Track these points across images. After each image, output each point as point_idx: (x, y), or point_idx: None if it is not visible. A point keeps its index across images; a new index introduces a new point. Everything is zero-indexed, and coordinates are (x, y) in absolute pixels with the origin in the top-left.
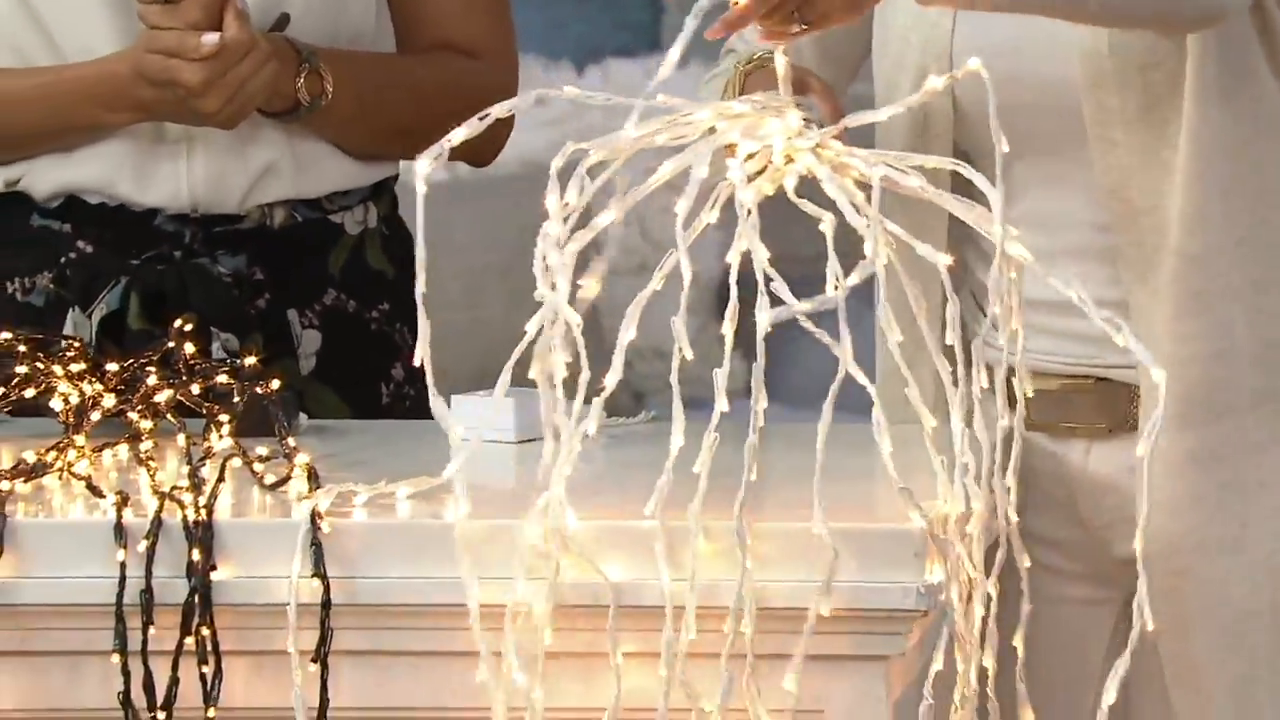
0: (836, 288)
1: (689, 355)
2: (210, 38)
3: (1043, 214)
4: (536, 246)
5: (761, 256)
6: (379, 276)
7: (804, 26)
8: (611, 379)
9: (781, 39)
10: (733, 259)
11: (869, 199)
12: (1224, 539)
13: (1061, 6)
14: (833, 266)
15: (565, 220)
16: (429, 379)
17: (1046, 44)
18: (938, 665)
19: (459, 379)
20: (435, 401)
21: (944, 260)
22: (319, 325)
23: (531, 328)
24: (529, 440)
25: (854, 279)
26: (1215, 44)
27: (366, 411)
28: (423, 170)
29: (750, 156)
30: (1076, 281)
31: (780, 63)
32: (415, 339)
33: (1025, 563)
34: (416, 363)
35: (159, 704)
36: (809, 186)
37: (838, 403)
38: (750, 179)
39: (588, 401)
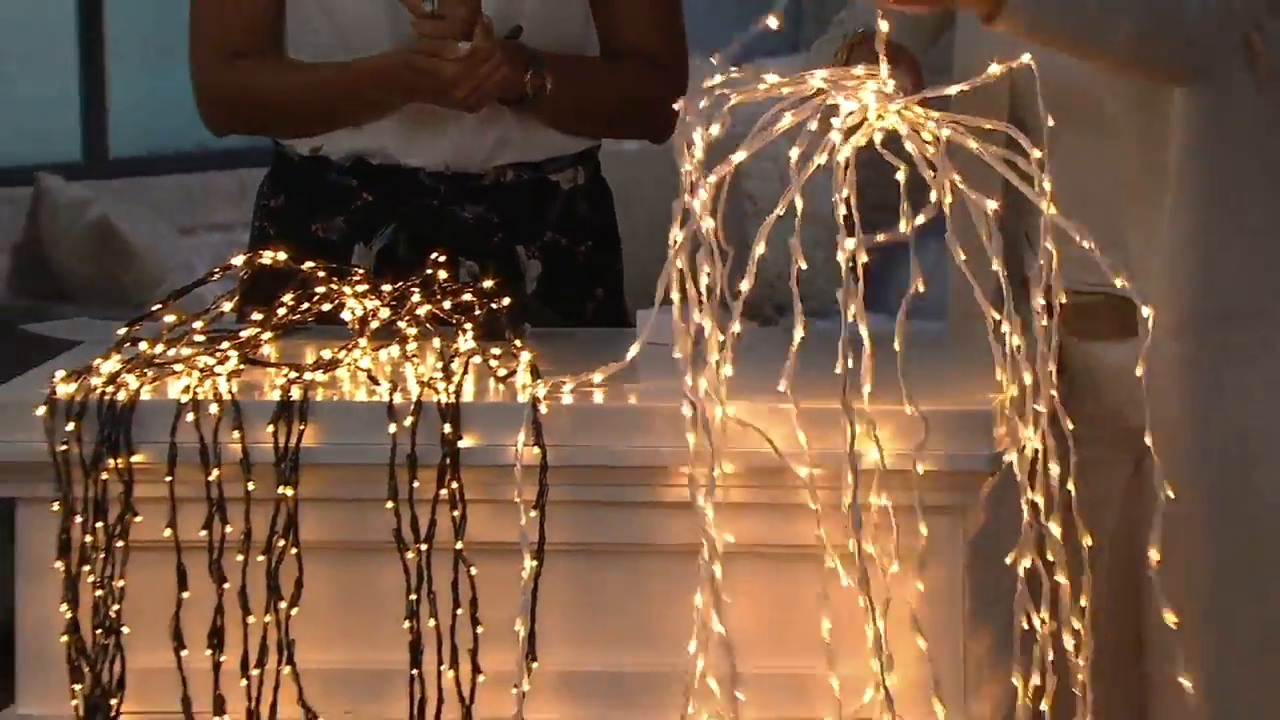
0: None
1: (803, 265)
2: (464, 45)
3: (1084, 179)
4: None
5: (849, 196)
6: (584, 221)
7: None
8: (745, 284)
9: (901, 6)
10: (838, 199)
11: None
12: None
13: (1083, 46)
14: (904, 207)
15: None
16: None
17: None
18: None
19: (644, 298)
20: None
21: (991, 205)
22: (539, 257)
23: (674, 238)
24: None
25: (920, 218)
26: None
27: (575, 323)
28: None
29: (849, 115)
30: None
31: (884, 27)
32: (609, 269)
33: (1069, 425)
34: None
35: (422, 538)
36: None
37: (928, 311)
38: (848, 133)
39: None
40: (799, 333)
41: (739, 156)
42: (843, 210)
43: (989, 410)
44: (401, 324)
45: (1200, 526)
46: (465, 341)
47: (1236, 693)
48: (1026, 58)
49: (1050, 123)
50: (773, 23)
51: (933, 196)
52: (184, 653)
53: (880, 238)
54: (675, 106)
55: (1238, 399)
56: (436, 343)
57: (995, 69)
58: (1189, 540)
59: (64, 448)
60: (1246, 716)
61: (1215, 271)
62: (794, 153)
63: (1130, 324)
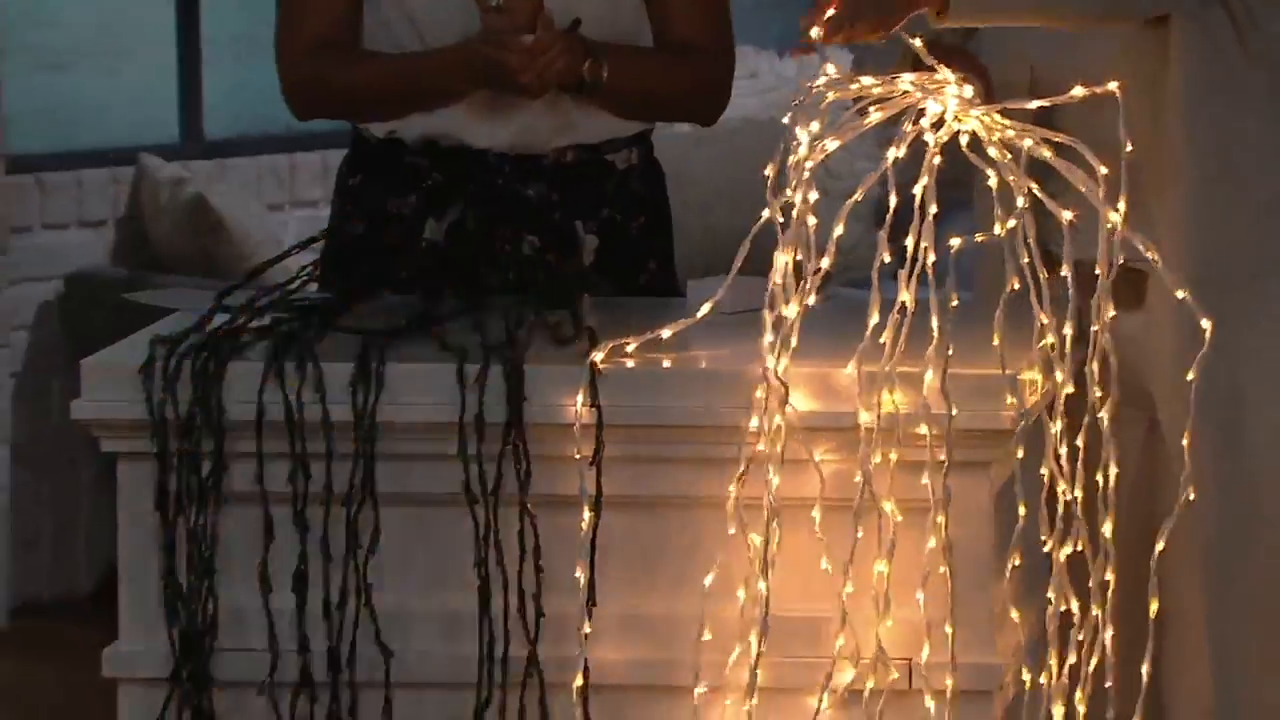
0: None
1: (888, 259)
2: (527, 37)
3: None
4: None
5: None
6: (638, 198)
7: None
8: (825, 262)
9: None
10: (921, 187)
11: (1016, 161)
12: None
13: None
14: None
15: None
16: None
17: None
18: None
19: (693, 270)
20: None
21: (1067, 215)
22: (596, 232)
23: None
24: (743, 311)
25: (998, 229)
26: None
27: (629, 293)
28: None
29: (934, 115)
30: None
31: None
32: (662, 243)
33: (1105, 363)
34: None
35: (489, 491)
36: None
37: (960, 282)
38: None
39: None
40: (874, 316)
41: (833, 145)
42: (919, 196)
43: (1015, 373)
44: (469, 294)
45: (1202, 478)
46: (527, 310)
47: (1236, 624)
48: (1113, 85)
49: (1129, 147)
50: (815, 33)
51: (1019, 201)
52: (270, 595)
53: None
54: (724, 93)
55: (1231, 362)
56: (502, 311)
57: (1079, 91)
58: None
59: (161, 407)
60: (1245, 648)
61: (1215, 241)
62: (890, 153)
63: (1144, 294)
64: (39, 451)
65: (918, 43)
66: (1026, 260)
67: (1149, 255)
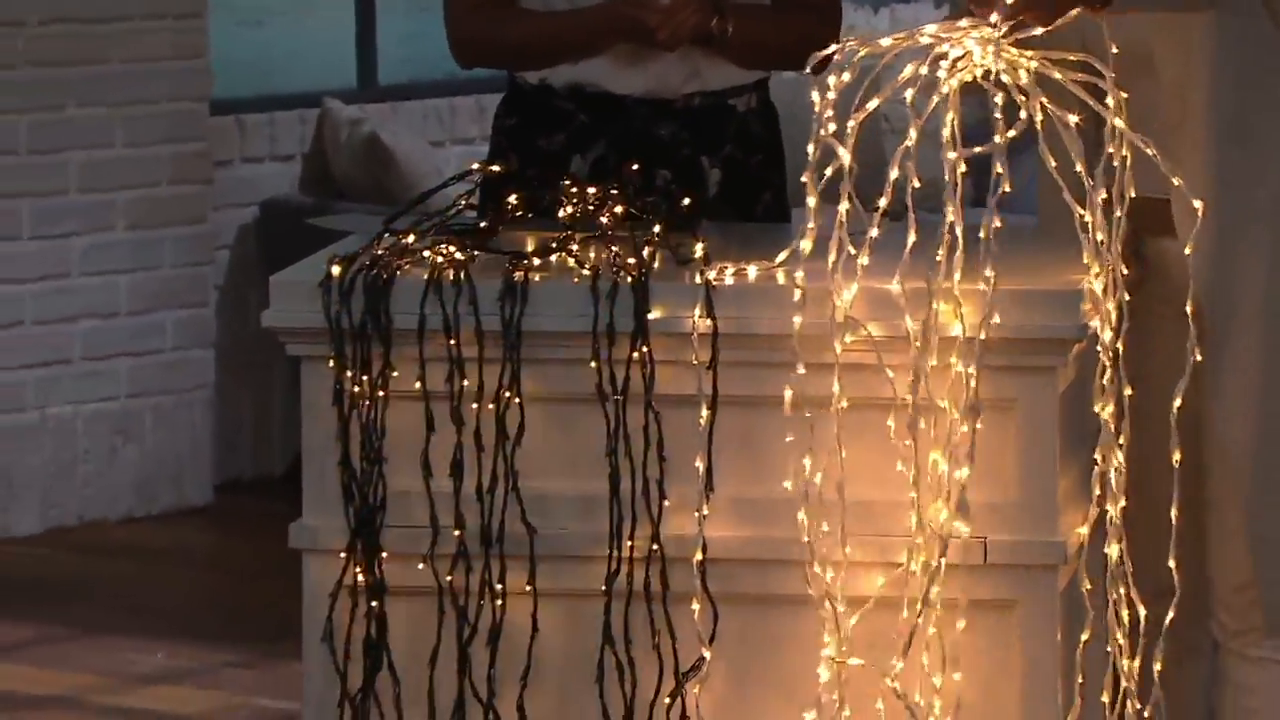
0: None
1: (917, 184)
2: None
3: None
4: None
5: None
6: (756, 137)
7: None
8: (883, 201)
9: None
10: (946, 133)
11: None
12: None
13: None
14: (999, 126)
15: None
16: None
17: None
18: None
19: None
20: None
21: (1072, 119)
22: (720, 167)
23: (810, 149)
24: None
25: (1012, 132)
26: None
27: (747, 220)
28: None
29: (957, 59)
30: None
31: None
32: (776, 176)
33: (1128, 271)
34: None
35: (618, 391)
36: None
37: (1029, 208)
38: (953, 72)
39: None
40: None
41: (873, 103)
42: (946, 132)
43: (1078, 288)
44: (603, 218)
45: (1245, 381)
46: (655, 233)
47: (1271, 511)
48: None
49: (1114, 50)
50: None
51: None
52: (431, 480)
53: (977, 149)
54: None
55: (1256, 277)
56: (633, 234)
57: (1074, 11)
58: (1239, 382)
59: (338, 317)
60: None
61: (1240, 185)
62: (908, 94)
63: (1169, 219)
64: (239, 353)
65: None
66: (1081, 169)
67: (1174, 179)
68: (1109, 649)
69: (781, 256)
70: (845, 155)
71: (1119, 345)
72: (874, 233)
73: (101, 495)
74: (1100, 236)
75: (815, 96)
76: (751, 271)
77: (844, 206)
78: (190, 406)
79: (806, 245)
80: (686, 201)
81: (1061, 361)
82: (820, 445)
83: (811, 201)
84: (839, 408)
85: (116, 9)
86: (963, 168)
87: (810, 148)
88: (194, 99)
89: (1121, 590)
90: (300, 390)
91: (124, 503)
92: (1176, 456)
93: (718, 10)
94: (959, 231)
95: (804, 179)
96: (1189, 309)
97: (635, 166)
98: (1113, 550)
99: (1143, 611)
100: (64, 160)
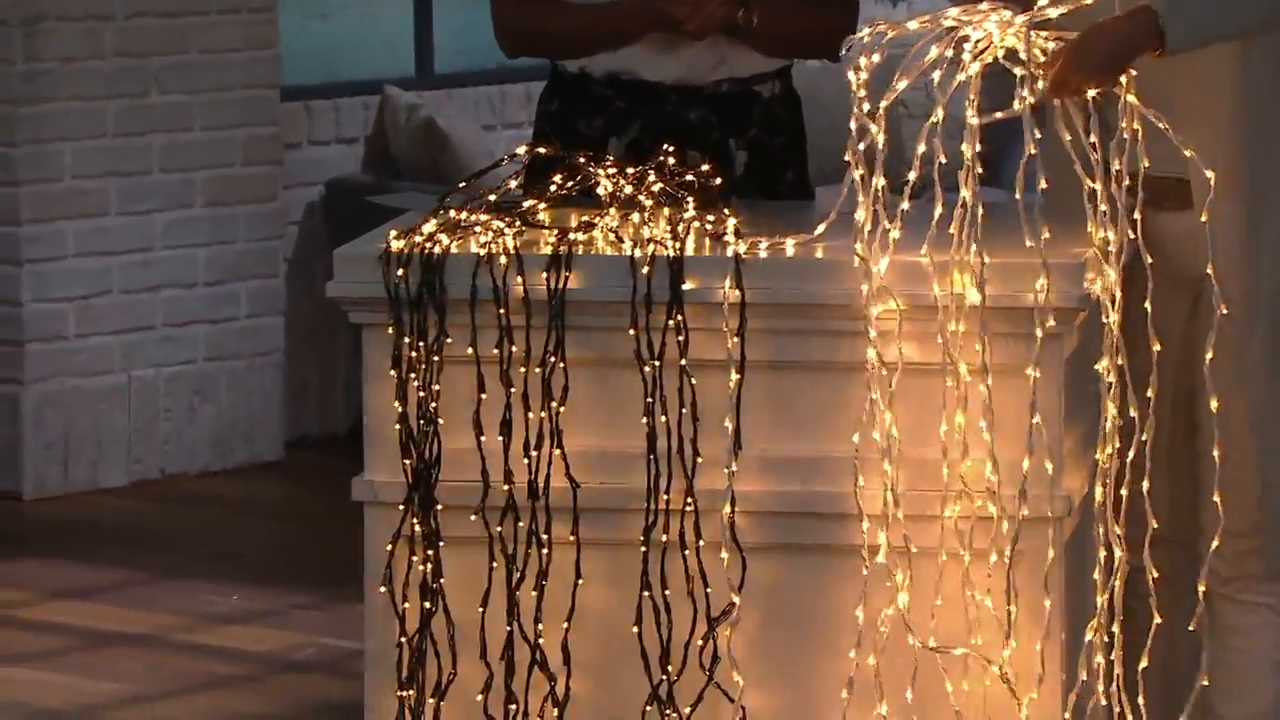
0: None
1: (944, 160)
2: None
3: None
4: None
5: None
6: (779, 121)
7: None
8: (912, 175)
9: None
10: (969, 111)
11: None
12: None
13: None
14: (1020, 93)
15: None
16: None
17: None
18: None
19: (823, 178)
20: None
21: (1089, 92)
22: (746, 148)
23: (853, 125)
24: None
25: (1030, 100)
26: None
27: (771, 197)
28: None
29: (978, 41)
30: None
31: None
32: (798, 157)
33: (1148, 259)
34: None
35: (655, 356)
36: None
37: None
38: (976, 55)
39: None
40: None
41: (901, 84)
42: (970, 111)
43: (1083, 259)
44: (641, 197)
45: (1255, 351)
46: (688, 210)
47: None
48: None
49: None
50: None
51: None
52: (482, 438)
53: (999, 115)
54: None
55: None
56: (667, 211)
57: None
58: (1240, 351)
59: (396, 287)
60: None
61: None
62: (935, 75)
63: (1189, 199)
64: (306, 321)
65: None
66: (1094, 141)
67: (1186, 150)
68: (1105, 597)
69: (820, 229)
70: (879, 133)
71: (1115, 315)
72: (905, 205)
73: (181, 451)
74: (1104, 208)
75: (851, 76)
76: (789, 246)
77: (880, 181)
78: (262, 370)
79: (860, 215)
80: (717, 180)
81: (1067, 329)
82: (857, 407)
83: (858, 174)
84: (879, 371)
85: (195, 3)
86: (978, 146)
87: (852, 124)
88: (266, 86)
89: (1119, 532)
90: (362, 355)
91: (202, 457)
92: (1214, 404)
93: (744, 2)
94: (979, 209)
95: (846, 156)
96: (1209, 270)
97: (671, 149)
98: (1107, 500)
99: (1149, 563)
100: (147, 143)
